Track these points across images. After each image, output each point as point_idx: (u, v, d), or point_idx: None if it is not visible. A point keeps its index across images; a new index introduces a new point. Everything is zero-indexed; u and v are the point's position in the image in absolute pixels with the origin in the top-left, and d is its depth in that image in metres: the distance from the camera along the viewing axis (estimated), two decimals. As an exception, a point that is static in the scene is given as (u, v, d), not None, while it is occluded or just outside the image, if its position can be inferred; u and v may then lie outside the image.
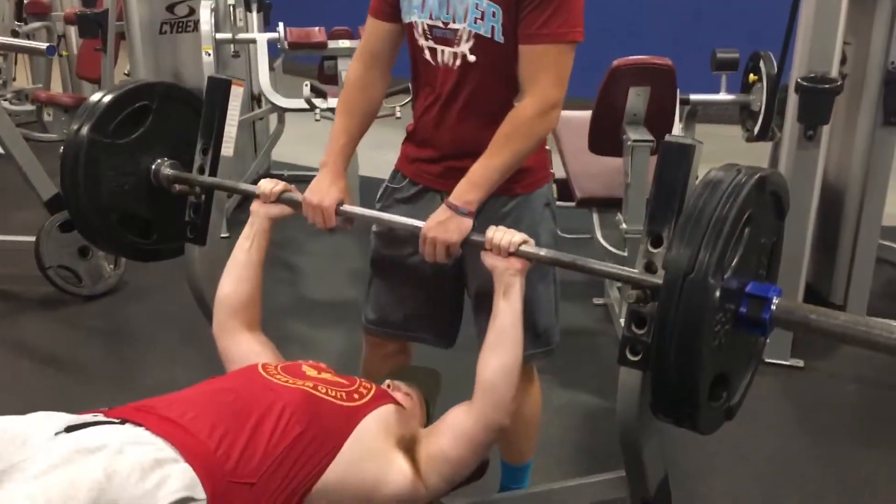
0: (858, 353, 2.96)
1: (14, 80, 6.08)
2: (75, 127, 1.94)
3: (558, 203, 3.14)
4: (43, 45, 2.82)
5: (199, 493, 1.27)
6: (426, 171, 1.81)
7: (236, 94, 2.04)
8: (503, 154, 1.63)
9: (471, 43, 1.63)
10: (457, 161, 1.72)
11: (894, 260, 3.58)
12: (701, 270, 1.24)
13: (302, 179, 4.96)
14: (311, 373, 1.65)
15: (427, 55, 1.70)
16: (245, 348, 1.78)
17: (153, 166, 2.02)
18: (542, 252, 1.59)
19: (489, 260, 1.60)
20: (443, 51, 1.67)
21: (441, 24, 1.65)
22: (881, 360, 2.95)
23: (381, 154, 5.04)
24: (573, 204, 3.16)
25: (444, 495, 1.67)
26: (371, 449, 1.53)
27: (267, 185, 1.87)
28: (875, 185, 2.94)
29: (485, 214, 1.68)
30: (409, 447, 1.57)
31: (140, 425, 1.35)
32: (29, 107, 5.59)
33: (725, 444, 2.46)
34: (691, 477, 2.26)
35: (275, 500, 1.38)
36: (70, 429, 1.32)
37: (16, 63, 6.06)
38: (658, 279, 1.37)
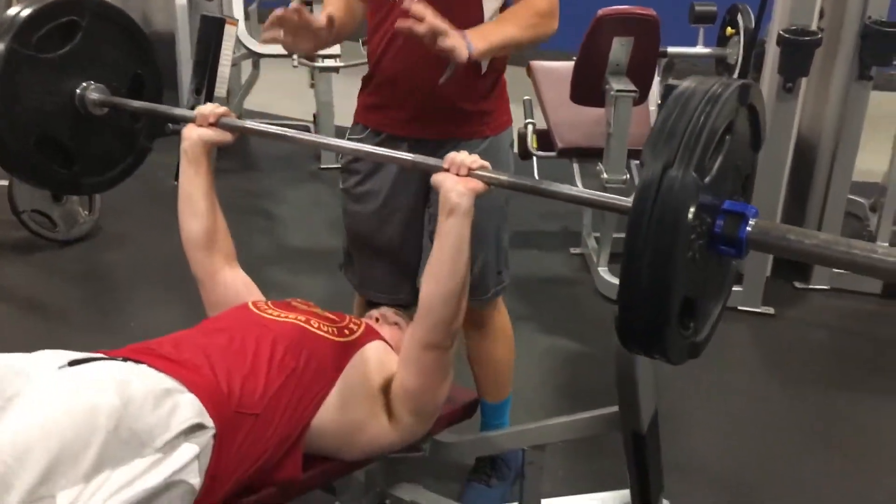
0: (826, 301, 3.10)
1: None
2: None
3: (539, 153, 3.22)
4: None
5: (208, 421, 1.29)
6: (391, 118, 1.76)
7: (229, 34, 2.04)
8: (515, 28, 1.61)
9: None
10: (422, 101, 1.68)
11: (860, 213, 3.68)
12: (682, 164, 1.12)
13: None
14: (302, 307, 1.67)
15: None
16: (226, 292, 1.73)
17: (79, 90, 1.84)
18: (503, 176, 1.46)
19: (438, 177, 1.47)
20: None
21: None
22: (848, 307, 3.07)
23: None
24: (554, 154, 3.19)
25: (425, 431, 1.68)
26: (358, 392, 1.54)
27: (205, 108, 1.74)
28: (848, 137, 3.02)
29: None
30: (387, 390, 1.58)
31: (141, 363, 1.36)
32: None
33: (702, 388, 2.55)
34: (671, 419, 2.30)
35: (279, 434, 1.41)
36: (74, 363, 1.33)
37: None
38: (627, 202, 1.25)
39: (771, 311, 2.99)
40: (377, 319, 1.77)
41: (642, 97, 2.95)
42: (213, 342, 1.46)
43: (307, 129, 4.77)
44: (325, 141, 1.81)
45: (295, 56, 3.74)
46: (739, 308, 2.96)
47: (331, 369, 1.52)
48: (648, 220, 1.13)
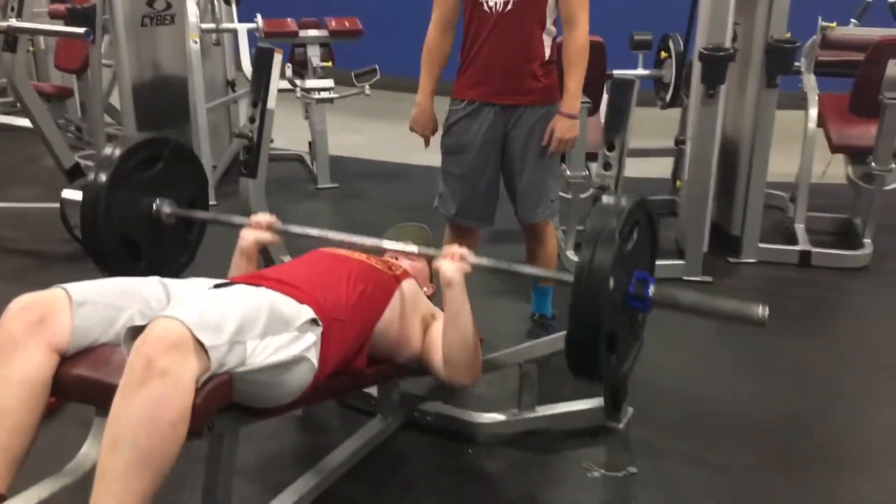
0: (754, 271, 3.75)
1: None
2: (109, 151, 2.21)
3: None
4: (81, 30, 3.29)
5: (318, 321, 1.85)
6: (483, 91, 2.62)
7: (277, 61, 2.61)
8: (579, 72, 2.57)
9: None
10: (506, 80, 2.58)
11: (782, 205, 4.37)
12: (604, 248, 1.67)
13: (274, 158, 5.49)
14: (362, 253, 2.25)
15: (483, 6, 2.53)
16: None
17: (155, 203, 2.28)
18: (484, 260, 2.10)
19: (438, 261, 2.06)
20: (495, 1, 2.50)
21: None
22: (772, 275, 3.72)
23: (346, 137, 5.66)
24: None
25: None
26: (403, 313, 2.15)
27: (259, 217, 2.27)
28: (761, 136, 3.69)
29: (526, 116, 2.61)
30: (424, 324, 2.20)
31: (260, 286, 1.91)
32: (3, 98, 5.93)
33: (656, 334, 3.12)
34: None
35: (355, 334, 1.98)
36: (217, 286, 1.89)
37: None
38: (570, 276, 1.76)
39: (709, 279, 3.61)
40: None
41: (595, 109, 3.60)
42: (305, 271, 2.03)
43: (302, 158, 5.37)
44: (354, 239, 2.21)
45: (298, 89, 4.32)
46: (683, 278, 3.59)
47: (386, 293, 2.11)
48: (585, 284, 1.67)
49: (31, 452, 1.63)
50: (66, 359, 1.64)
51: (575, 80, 2.55)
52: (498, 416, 2.47)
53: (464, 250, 2.07)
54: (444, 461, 2.36)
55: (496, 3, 2.51)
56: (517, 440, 2.44)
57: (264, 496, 2.07)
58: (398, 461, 2.36)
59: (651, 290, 1.79)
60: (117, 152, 2.19)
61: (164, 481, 1.51)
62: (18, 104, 3.62)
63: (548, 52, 2.60)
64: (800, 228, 3.96)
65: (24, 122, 3.72)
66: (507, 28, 2.52)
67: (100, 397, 1.55)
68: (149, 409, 1.43)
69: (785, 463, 2.37)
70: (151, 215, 2.28)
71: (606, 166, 2.15)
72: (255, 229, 2.23)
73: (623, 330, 1.85)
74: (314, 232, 2.27)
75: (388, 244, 2.19)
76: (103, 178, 2.15)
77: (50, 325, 1.62)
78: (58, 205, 3.68)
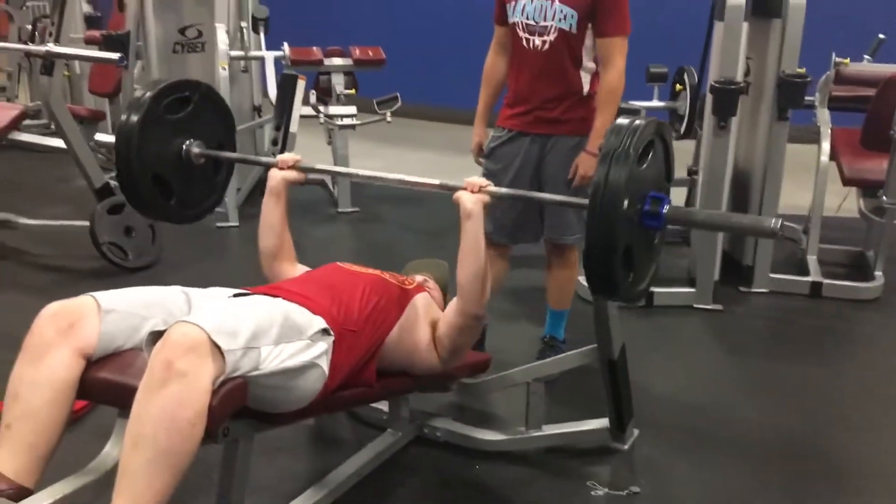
0: (765, 300, 3.80)
1: (17, 97, 6.60)
2: (140, 93, 2.27)
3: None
4: (115, 56, 3.44)
5: (330, 331, 1.93)
6: (521, 121, 2.80)
7: (300, 86, 2.73)
8: (609, 112, 2.65)
9: (556, 34, 2.63)
10: (542, 112, 2.75)
11: (795, 237, 4.41)
12: (618, 165, 1.70)
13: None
14: (375, 269, 2.34)
15: (523, 42, 2.69)
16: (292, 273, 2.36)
17: (185, 144, 2.34)
18: (503, 190, 2.18)
19: (458, 193, 2.06)
20: (535, 39, 2.66)
21: (534, 23, 2.65)
22: (782, 304, 3.76)
23: (367, 162, 5.78)
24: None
25: (454, 366, 2.33)
26: (415, 323, 2.21)
27: (285, 155, 2.34)
28: (773, 168, 3.75)
29: (560, 144, 2.75)
30: (433, 328, 2.26)
31: (277, 297, 2.01)
32: (36, 121, 6.12)
33: (665, 359, 3.21)
34: (641, 381, 2.80)
35: (366, 345, 2.06)
36: (236, 295, 1.98)
37: (19, 82, 6.60)
38: (585, 200, 1.78)
39: (720, 307, 3.66)
40: (423, 281, 2.45)
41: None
42: (321, 284, 2.11)
43: (323, 182, 5.50)
44: (378, 175, 2.32)
45: (321, 115, 4.45)
46: (694, 306, 3.65)
47: (398, 305, 2.19)
48: (600, 200, 1.71)
49: (56, 453, 1.73)
50: (92, 363, 1.75)
51: (602, 120, 2.64)
52: (506, 434, 2.53)
53: (483, 181, 2.12)
54: (452, 475, 2.42)
55: (536, 43, 2.66)
56: (524, 457, 2.49)
57: (276, 504, 2.15)
58: (407, 474, 2.42)
59: (666, 207, 1.82)
60: (148, 94, 2.26)
61: (182, 482, 1.59)
62: (53, 126, 3.77)
63: (587, 87, 2.73)
64: (812, 260, 4.00)
65: (58, 143, 3.86)
66: (545, 65, 2.69)
67: (122, 399, 1.65)
68: (168, 409, 1.52)
69: (789, 487, 2.41)
70: (181, 156, 2.36)
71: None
72: (282, 168, 2.32)
73: (639, 248, 1.87)
74: (341, 169, 2.60)
75: (409, 178, 2.23)
76: (135, 118, 2.22)
77: (79, 330, 1.72)
78: (87, 223, 3.82)
